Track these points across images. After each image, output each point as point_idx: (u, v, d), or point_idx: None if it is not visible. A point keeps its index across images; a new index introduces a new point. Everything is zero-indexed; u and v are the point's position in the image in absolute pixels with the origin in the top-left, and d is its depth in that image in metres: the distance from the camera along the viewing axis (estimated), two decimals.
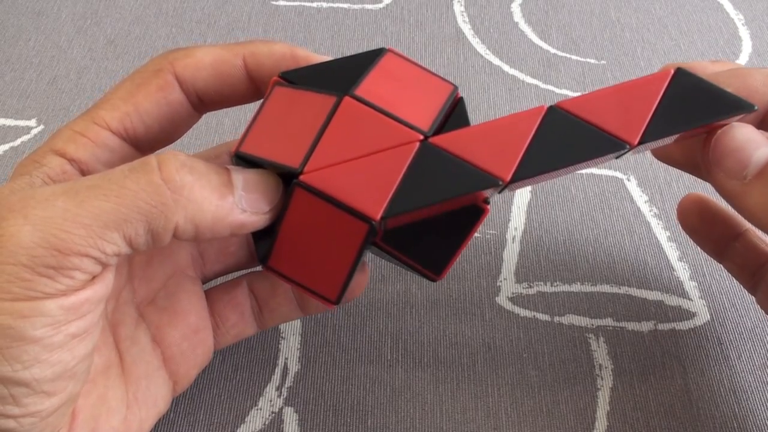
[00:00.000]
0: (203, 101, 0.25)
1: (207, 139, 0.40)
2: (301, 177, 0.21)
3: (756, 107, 0.22)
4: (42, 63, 0.44)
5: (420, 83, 0.23)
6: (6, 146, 0.39)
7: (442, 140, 0.21)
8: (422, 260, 0.24)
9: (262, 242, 0.22)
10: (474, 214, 0.23)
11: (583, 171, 0.39)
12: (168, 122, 0.24)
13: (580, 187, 0.38)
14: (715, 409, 0.30)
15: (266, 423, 0.30)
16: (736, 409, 0.30)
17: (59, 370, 0.20)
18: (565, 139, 0.21)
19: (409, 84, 0.23)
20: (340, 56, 0.23)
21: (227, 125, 0.40)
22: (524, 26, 0.47)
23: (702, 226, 0.31)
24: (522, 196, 0.38)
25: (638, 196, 0.38)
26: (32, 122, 0.41)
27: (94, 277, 0.20)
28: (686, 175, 0.38)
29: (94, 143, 0.23)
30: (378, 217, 0.20)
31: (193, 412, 0.30)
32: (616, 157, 0.22)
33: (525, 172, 0.21)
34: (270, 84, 0.23)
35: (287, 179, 0.21)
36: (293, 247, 0.22)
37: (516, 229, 0.36)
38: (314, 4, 0.48)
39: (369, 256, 0.35)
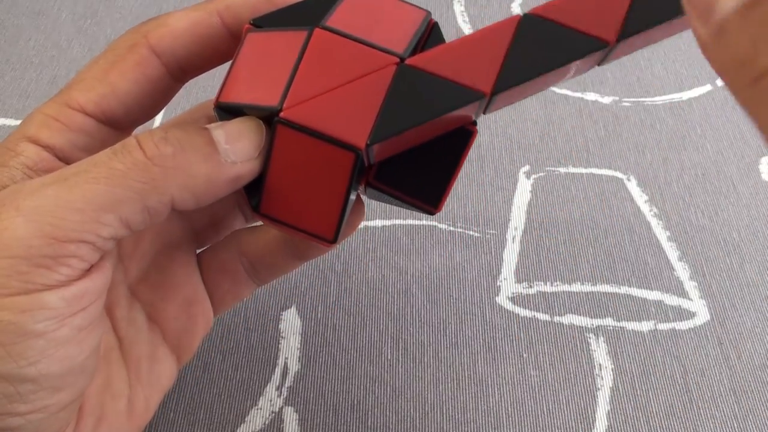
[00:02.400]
0: (184, 69, 0.24)
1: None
2: (281, 114, 0.20)
3: None
4: (42, 63, 0.44)
5: (392, 12, 0.22)
6: None
7: (418, 60, 0.21)
8: (418, 194, 0.23)
9: (254, 191, 0.22)
10: (463, 137, 0.23)
11: (583, 171, 0.39)
12: (148, 99, 0.23)
13: (580, 187, 0.38)
14: (715, 409, 0.30)
15: (266, 423, 0.30)
16: (736, 409, 0.30)
17: (67, 365, 0.20)
18: (543, 45, 0.20)
19: (381, 13, 0.22)
20: None
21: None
22: None
23: None
24: (522, 196, 0.38)
25: (638, 196, 0.38)
26: None
27: (92, 267, 0.20)
28: (686, 175, 0.38)
29: (69, 128, 0.22)
30: (363, 144, 0.20)
31: (193, 412, 0.30)
32: (599, 63, 0.22)
33: (505, 83, 0.20)
34: (243, 32, 0.22)
35: (270, 120, 0.21)
36: (283, 188, 0.22)
37: (516, 229, 0.36)
38: None
39: (375, 242, 0.35)
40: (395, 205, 0.24)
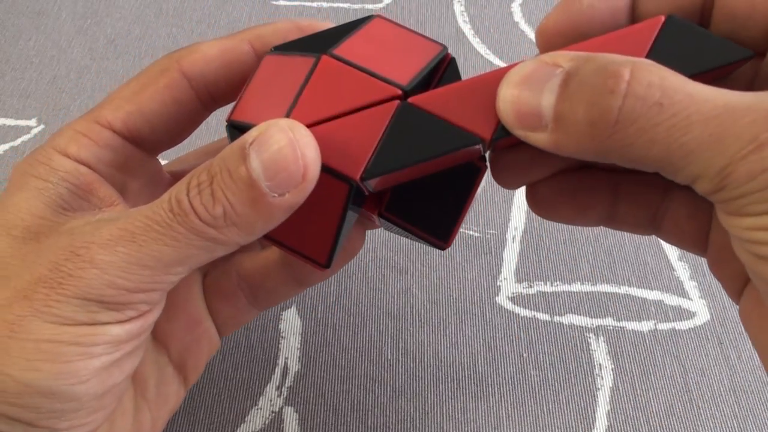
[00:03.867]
0: (213, 95, 0.24)
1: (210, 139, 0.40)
2: None
3: (753, 53, 0.19)
4: (42, 63, 0.44)
5: (406, 44, 0.23)
6: (6, 146, 0.39)
7: (421, 99, 0.21)
8: (428, 229, 0.23)
9: None
10: (472, 173, 0.23)
11: None
12: (174, 122, 0.24)
13: None
14: (715, 409, 0.30)
15: (266, 422, 0.30)
16: (736, 409, 0.30)
17: (109, 386, 0.21)
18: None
19: (394, 45, 0.22)
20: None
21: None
22: (524, 26, 0.47)
23: None
24: (522, 195, 0.38)
25: None
26: (32, 122, 0.41)
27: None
28: None
29: (96, 143, 0.23)
30: (357, 176, 0.20)
31: (193, 412, 0.30)
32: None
33: (506, 131, 0.20)
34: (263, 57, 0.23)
35: None
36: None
37: (516, 229, 0.36)
38: (314, 4, 0.48)
39: (375, 242, 0.35)
40: (406, 237, 0.24)
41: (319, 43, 0.22)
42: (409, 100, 0.21)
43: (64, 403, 0.20)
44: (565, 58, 0.18)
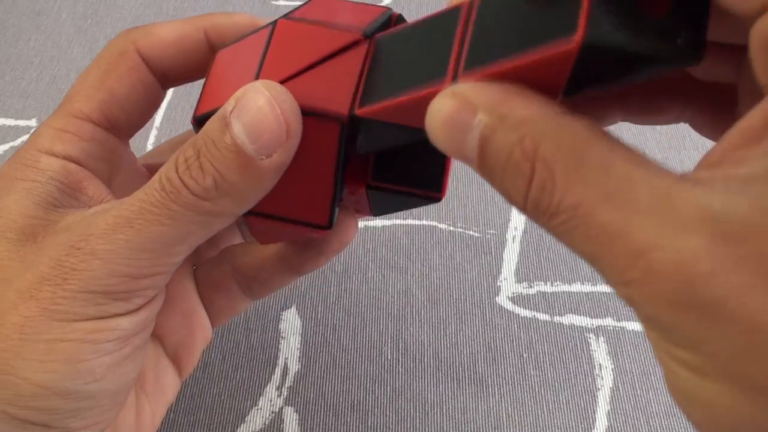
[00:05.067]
0: (168, 78, 0.24)
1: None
2: None
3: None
4: (42, 63, 0.44)
5: (354, 9, 0.23)
6: (6, 146, 0.39)
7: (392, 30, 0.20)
8: (420, 185, 0.23)
9: None
10: None
11: None
12: (144, 103, 0.24)
13: None
14: None
15: (266, 423, 0.30)
16: None
17: (122, 382, 0.21)
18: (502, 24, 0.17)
19: (343, 10, 0.22)
20: None
21: None
22: None
23: None
24: None
25: None
26: (32, 122, 0.41)
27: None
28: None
29: (81, 138, 0.22)
30: (346, 111, 0.20)
31: (193, 412, 0.30)
32: None
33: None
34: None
35: None
36: (277, 185, 0.21)
37: (516, 229, 0.36)
38: None
39: (375, 242, 0.35)
40: (400, 208, 0.24)
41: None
42: (377, 35, 0.20)
43: (80, 402, 0.20)
44: (480, 102, 0.16)
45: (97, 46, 0.45)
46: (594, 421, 0.30)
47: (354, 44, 0.20)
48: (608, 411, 0.30)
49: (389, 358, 0.32)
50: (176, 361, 0.26)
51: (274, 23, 0.21)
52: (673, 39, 0.15)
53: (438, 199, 0.23)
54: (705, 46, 0.15)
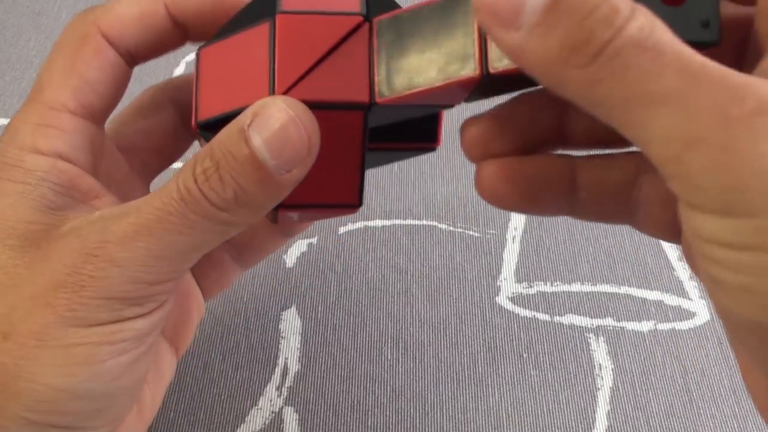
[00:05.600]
0: (133, 56, 0.24)
1: None
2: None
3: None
4: (42, 63, 0.44)
5: None
6: None
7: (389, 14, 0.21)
8: (417, 138, 0.24)
9: None
10: None
11: None
12: (114, 85, 0.23)
13: None
14: (715, 409, 0.30)
15: (266, 423, 0.30)
16: (736, 409, 0.30)
17: (138, 378, 0.21)
18: None
19: None
20: None
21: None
22: None
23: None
24: None
25: None
26: None
27: None
28: None
29: (63, 131, 0.22)
30: (367, 99, 0.21)
31: (193, 412, 0.30)
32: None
33: None
34: (196, 55, 0.23)
35: None
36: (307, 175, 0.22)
37: (516, 229, 0.36)
38: None
39: (375, 242, 0.35)
40: (395, 160, 0.25)
41: (249, 16, 0.22)
42: (376, 19, 0.21)
43: (100, 402, 0.20)
44: None
45: None
46: (594, 421, 0.30)
47: (356, 28, 0.21)
48: (608, 411, 0.30)
49: (389, 358, 0.32)
50: (174, 342, 0.26)
51: (273, 18, 0.21)
52: (696, 24, 0.17)
53: (434, 148, 0.24)
54: (721, 27, 0.17)
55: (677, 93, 0.14)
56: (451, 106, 0.22)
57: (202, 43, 0.23)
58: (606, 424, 0.30)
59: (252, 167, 0.19)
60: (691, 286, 0.34)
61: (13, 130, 0.22)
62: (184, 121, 0.27)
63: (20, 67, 0.43)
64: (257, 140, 0.19)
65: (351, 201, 0.22)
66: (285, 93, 0.20)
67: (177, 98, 0.27)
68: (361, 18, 0.21)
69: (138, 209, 0.20)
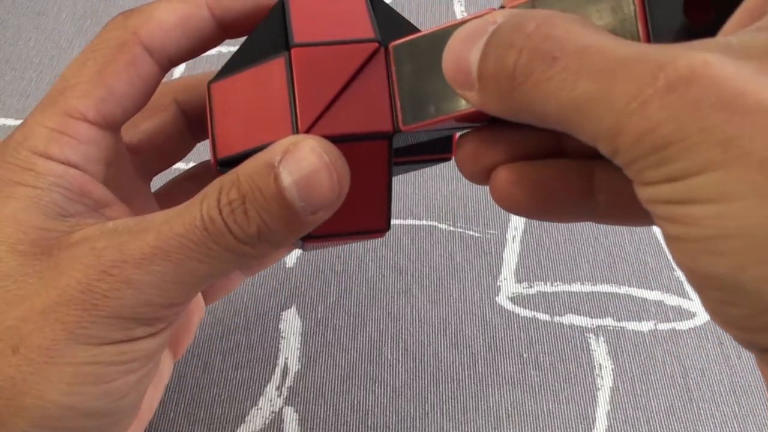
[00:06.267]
0: (172, 61, 0.23)
1: None
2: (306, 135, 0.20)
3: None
4: (42, 63, 0.44)
5: (334, 4, 0.23)
6: None
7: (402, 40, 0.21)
8: (432, 151, 0.25)
9: None
10: None
11: None
12: (142, 98, 0.23)
13: None
14: (715, 409, 0.30)
15: (266, 423, 0.30)
16: (736, 409, 0.30)
17: (143, 394, 0.21)
18: None
19: (328, 10, 0.22)
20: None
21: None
22: None
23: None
24: None
25: None
26: None
27: None
28: None
29: (79, 141, 0.21)
30: (391, 127, 0.21)
31: (193, 412, 0.30)
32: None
33: None
34: (206, 88, 0.23)
35: None
36: None
37: (516, 229, 0.36)
38: None
39: (375, 242, 0.35)
40: (411, 170, 0.25)
41: (259, 48, 0.22)
42: (392, 45, 0.21)
43: (106, 419, 0.20)
44: (503, 14, 0.17)
45: None
46: (594, 421, 0.30)
47: (372, 54, 0.21)
48: (608, 411, 0.30)
49: (389, 358, 0.32)
50: (173, 346, 0.26)
51: (288, 53, 0.21)
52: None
53: (449, 159, 0.24)
54: None
55: (596, 94, 0.14)
56: (478, 125, 0.22)
57: (211, 79, 0.22)
58: (606, 424, 0.30)
59: (279, 206, 0.19)
60: (690, 286, 0.34)
61: (28, 130, 0.21)
62: (188, 123, 0.27)
63: (20, 67, 0.43)
64: (287, 180, 0.19)
65: (379, 226, 0.22)
66: (309, 130, 0.20)
67: (182, 100, 0.27)
68: (376, 44, 0.21)
69: (158, 230, 0.19)
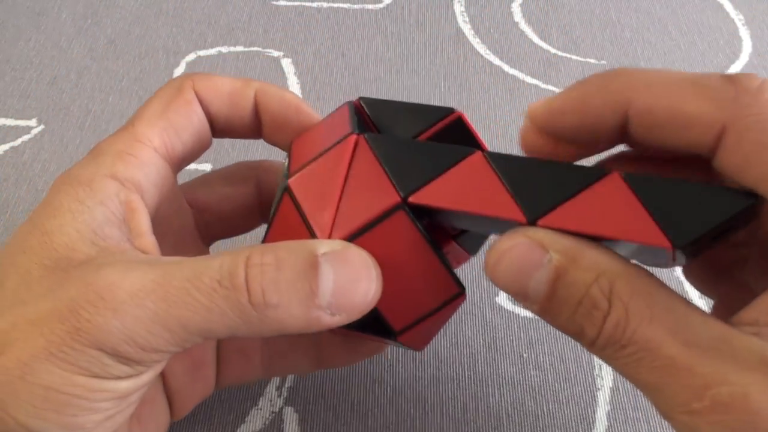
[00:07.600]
0: (215, 125, 0.26)
1: None
2: (339, 237, 0.21)
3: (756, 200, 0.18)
4: (42, 63, 0.44)
5: (327, 125, 0.24)
6: (6, 146, 0.39)
7: (420, 198, 0.21)
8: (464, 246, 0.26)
9: (379, 326, 0.22)
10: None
11: None
12: (197, 138, 0.25)
13: None
14: None
15: (266, 423, 0.30)
16: None
17: (114, 428, 0.21)
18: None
19: (321, 130, 0.24)
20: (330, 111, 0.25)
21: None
22: (524, 26, 0.47)
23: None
24: None
25: None
26: (33, 122, 0.41)
27: None
28: None
29: (143, 162, 0.23)
30: (399, 198, 0.21)
31: (193, 412, 0.30)
32: None
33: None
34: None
35: None
36: (395, 297, 0.22)
37: None
38: (314, 4, 0.48)
39: None
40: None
41: (282, 188, 0.23)
42: (410, 199, 0.21)
43: None
44: (553, 245, 0.18)
45: (97, 46, 0.45)
46: (594, 421, 0.30)
47: (356, 146, 0.22)
48: (608, 411, 0.30)
49: (389, 358, 0.32)
50: (170, 403, 0.26)
51: (286, 187, 0.22)
52: (735, 194, 0.18)
53: (473, 255, 0.27)
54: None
55: (654, 384, 0.17)
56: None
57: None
58: (606, 424, 0.30)
59: (307, 294, 0.19)
60: (691, 286, 0.34)
61: (98, 152, 0.23)
62: (261, 200, 0.28)
63: (20, 67, 0.43)
64: (327, 278, 0.19)
65: (454, 291, 0.22)
66: (333, 233, 0.21)
67: (263, 179, 0.28)
68: (354, 135, 0.22)
69: (165, 269, 0.19)
